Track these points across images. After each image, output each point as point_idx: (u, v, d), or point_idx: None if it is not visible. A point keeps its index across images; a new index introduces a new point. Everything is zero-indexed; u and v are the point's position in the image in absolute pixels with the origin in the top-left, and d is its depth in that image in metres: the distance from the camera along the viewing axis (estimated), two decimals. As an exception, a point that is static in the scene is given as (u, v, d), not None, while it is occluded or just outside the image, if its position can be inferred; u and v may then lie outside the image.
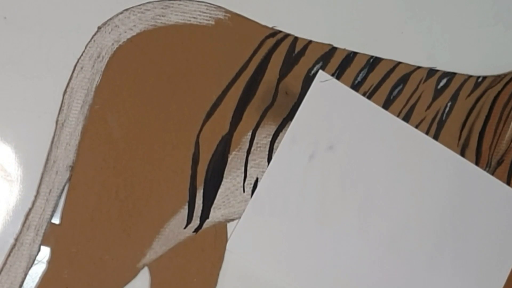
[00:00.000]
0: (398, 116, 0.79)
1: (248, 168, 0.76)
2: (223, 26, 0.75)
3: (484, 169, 0.81)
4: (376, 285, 0.78)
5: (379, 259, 0.78)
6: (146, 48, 0.73)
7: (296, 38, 0.77)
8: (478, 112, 0.82)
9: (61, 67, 0.71)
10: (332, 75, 0.78)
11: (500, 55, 0.83)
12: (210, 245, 0.74)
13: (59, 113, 0.71)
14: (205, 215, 0.74)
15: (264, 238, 0.75)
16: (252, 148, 0.76)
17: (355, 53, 0.79)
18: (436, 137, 0.80)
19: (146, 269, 0.72)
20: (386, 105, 0.79)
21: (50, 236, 0.70)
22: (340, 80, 0.78)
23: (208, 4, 0.75)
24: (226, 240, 0.75)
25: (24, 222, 0.70)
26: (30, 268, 0.69)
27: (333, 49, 0.78)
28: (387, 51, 0.80)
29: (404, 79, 0.80)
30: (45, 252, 0.70)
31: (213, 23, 0.75)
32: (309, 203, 0.76)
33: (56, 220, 0.70)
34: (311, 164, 0.77)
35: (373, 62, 0.79)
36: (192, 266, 0.73)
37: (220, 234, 0.75)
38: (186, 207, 0.74)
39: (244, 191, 0.76)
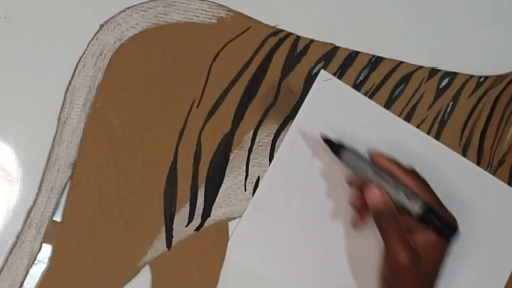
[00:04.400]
0: (399, 115, 0.79)
1: (249, 166, 0.76)
2: (225, 24, 0.75)
3: (486, 169, 0.81)
4: (377, 285, 0.78)
5: (379, 259, 0.78)
6: (148, 46, 0.73)
7: (298, 37, 0.77)
8: (479, 112, 0.81)
9: (63, 65, 0.71)
10: (334, 74, 0.78)
11: (502, 55, 0.82)
12: (211, 244, 0.74)
13: (61, 111, 0.71)
14: (206, 214, 0.74)
15: (265, 236, 0.75)
16: (254, 147, 0.76)
17: (357, 52, 0.79)
18: (437, 136, 0.80)
19: (147, 267, 0.72)
20: (387, 105, 0.79)
21: (52, 234, 0.70)
22: (342, 79, 0.78)
23: (211, 3, 0.75)
24: (227, 239, 0.75)
25: (26, 219, 0.70)
26: (31, 266, 0.69)
27: (335, 48, 0.78)
28: (389, 51, 0.80)
29: (406, 79, 0.80)
30: (46, 252, 0.70)
31: (215, 21, 0.75)
32: (310, 202, 0.76)
33: (57, 218, 0.70)
34: (313, 163, 0.77)
35: (375, 61, 0.79)
36: (193, 265, 0.73)
37: (221, 233, 0.75)
38: (188, 205, 0.74)
39: (245, 189, 0.76)
